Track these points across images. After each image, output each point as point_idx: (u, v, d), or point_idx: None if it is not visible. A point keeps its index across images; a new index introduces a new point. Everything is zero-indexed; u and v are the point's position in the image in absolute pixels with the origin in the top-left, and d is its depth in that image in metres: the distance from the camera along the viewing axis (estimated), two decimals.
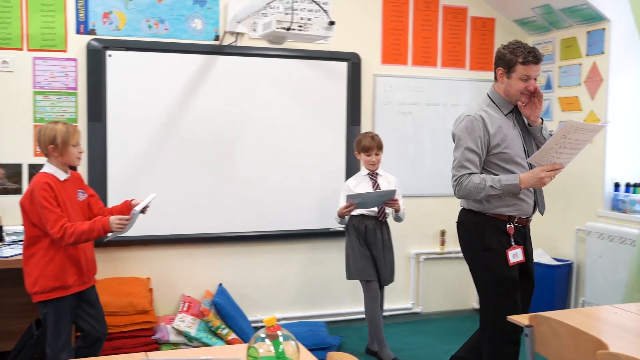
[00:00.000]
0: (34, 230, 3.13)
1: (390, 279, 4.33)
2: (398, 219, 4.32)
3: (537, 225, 5.32)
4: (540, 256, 5.03)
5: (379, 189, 4.25)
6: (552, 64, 5.17)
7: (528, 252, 3.26)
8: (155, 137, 4.46)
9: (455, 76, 5.27)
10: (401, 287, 5.21)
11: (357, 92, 4.93)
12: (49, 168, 3.20)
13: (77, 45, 4.30)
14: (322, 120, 4.86)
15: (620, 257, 4.42)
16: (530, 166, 3.07)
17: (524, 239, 3.23)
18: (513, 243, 3.13)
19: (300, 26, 3.62)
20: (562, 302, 4.91)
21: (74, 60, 4.30)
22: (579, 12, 4.71)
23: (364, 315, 5.03)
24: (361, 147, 4.25)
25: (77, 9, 4.29)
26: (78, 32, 4.31)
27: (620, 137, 4.66)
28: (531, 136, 3.22)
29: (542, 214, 3.28)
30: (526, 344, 2.54)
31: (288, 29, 3.60)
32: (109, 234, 3.17)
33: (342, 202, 4.19)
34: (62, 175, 3.22)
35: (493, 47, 5.36)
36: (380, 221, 4.28)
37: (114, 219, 3.13)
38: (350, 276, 4.33)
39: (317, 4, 4.47)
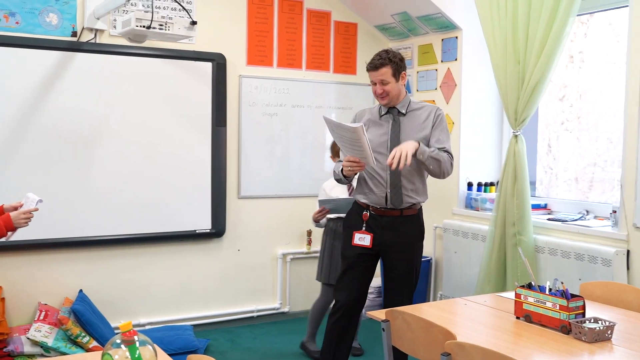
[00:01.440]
0: None
1: None
2: None
3: None
4: None
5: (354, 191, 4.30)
6: (411, 69, 5.41)
7: (384, 241, 3.47)
8: (6, 136, 4.20)
9: (319, 79, 5.37)
10: (269, 287, 5.25)
11: (223, 92, 4.90)
12: None
13: None
14: (187, 120, 4.79)
15: (473, 252, 4.71)
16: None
17: (381, 229, 3.46)
18: (364, 228, 3.48)
19: (160, 25, 3.56)
20: (422, 296, 5.14)
21: None
22: (434, 21, 4.96)
23: (232, 317, 5.05)
24: (337, 152, 4.27)
25: None
26: None
27: (472, 139, 4.96)
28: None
29: (394, 207, 3.45)
30: (383, 337, 2.64)
31: (148, 27, 3.52)
32: (9, 233, 2.89)
33: (318, 206, 4.24)
34: None
35: (356, 51, 5.53)
36: None
37: (17, 213, 2.87)
38: (328, 280, 4.31)
39: (178, 3, 4.40)
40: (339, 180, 3.57)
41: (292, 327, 5.09)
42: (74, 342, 4.05)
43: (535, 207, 4.44)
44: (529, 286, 2.65)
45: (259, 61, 5.10)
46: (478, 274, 4.50)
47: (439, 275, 5.16)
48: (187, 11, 4.03)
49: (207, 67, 4.83)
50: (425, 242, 5.16)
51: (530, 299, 2.60)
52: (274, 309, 5.26)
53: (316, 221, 4.28)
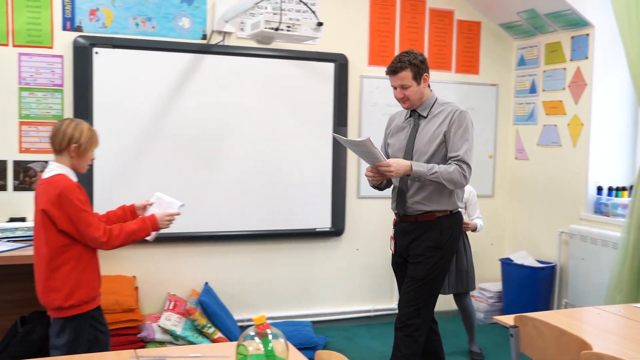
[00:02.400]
0: (61, 239, 2.82)
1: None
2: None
3: (521, 228, 5.42)
4: (524, 258, 5.09)
5: None
6: (537, 68, 5.23)
7: (401, 247, 3.39)
8: (141, 135, 4.44)
9: (441, 79, 5.29)
10: (386, 287, 5.24)
11: (344, 93, 4.95)
12: (63, 169, 2.87)
13: (64, 41, 4.28)
14: (309, 120, 4.88)
15: (602, 260, 4.48)
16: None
17: (403, 233, 3.39)
18: (392, 234, 3.47)
19: (288, 27, 3.64)
20: (545, 303, 4.96)
21: (60, 56, 4.28)
22: (563, 18, 4.77)
23: (349, 316, 5.09)
24: None
25: (64, 5, 4.27)
26: (64, 28, 4.28)
27: (603, 141, 4.72)
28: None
29: (399, 213, 3.39)
30: (511, 344, 2.57)
31: (276, 29, 3.61)
32: (153, 233, 3.03)
33: None
34: (74, 178, 2.92)
35: (479, 50, 5.41)
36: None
37: (162, 215, 3.01)
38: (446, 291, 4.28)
39: (305, 4, 4.48)
40: (373, 187, 3.48)
41: None
42: (200, 332, 4.23)
43: None
44: None
45: (380, 61, 5.10)
46: (608, 282, 4.28)
47: (564, 282, 4.95)
48: (313, 12, 4.10)
49: (330, 67, 4.90)
50: (549, 247, 5.07)
51: None
52: (391, 309, 5.24)
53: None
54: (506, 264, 5.14)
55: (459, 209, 3.41)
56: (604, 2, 4.46)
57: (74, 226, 2.80)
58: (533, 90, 5.28)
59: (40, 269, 2.87)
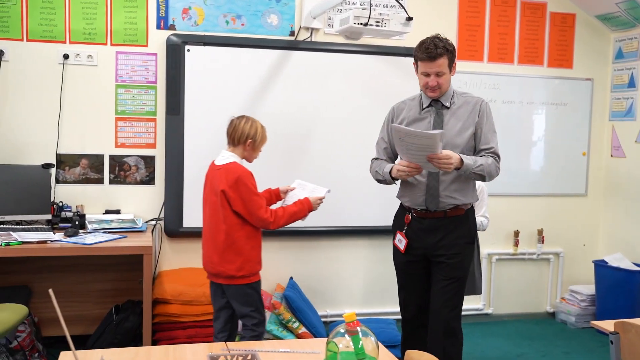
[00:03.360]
0: (234, 219, 3.21)
1: None
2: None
3: (616, 228, 5.18)
4: (619, 260, 4.87)
5: None
6: (637, 61, 4.98)
7: (428, 245, 3.19)
8: None
9: (532, 73, 5.13)
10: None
11: None
12: (237, 159, 3.28)
13: (158, 40, 4.41)
14: None
15: None
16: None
17: (424, 232, 3.20)
18: (404, 231, 3.25)
19: (377, 22, 3.61)
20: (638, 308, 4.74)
21: (154, 54, 4.41)
22: None
23: None
24: None
25: (158, 5, 4.40)
26: (158, 27, 4.41)
27: None
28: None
29: (430, 210, 3.17)
30: (611, 351, 2.45)
31: (365, 24, 3.58)
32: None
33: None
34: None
35: (573, 44, 5.21)
36: None
37: (314, 199, 3.38)
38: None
39: None
40: (381, 181, 3.32)
41: (495, 329, 4.94)
42: (285, 326, 4.26)
43: None
44: None
45: (469, 56, 4.99)
46: None
47: None
48: (402, 7, 4.05)
49: None
50: None
51: None
52: (477, 309, 5.14)
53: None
54: (600, 266, 4.94)
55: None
56: None
57: (245, 208, 3.18)
58: (632, 84, 5.04)
59: (219, 242, 3.24)
